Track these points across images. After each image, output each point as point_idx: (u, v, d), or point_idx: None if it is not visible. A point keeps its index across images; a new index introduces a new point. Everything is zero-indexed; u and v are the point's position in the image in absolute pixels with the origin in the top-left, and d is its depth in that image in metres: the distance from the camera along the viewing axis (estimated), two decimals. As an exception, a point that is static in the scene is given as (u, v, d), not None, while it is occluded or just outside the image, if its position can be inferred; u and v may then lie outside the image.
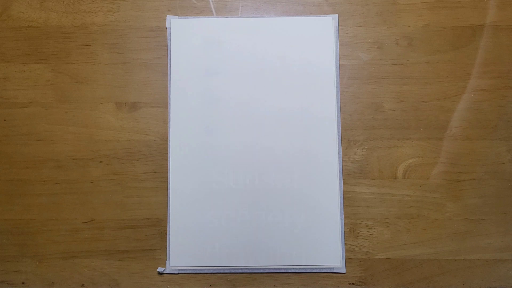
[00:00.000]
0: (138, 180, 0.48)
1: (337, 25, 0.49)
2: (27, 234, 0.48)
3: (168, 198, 0.48)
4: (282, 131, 0.48)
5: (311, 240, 0.47)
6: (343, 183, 0.48)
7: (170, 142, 0.48)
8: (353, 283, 0.47)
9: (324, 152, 0.48)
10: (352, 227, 0.48)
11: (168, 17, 0.49)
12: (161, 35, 0.49)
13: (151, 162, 0.48)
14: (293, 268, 0.47)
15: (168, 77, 0.49)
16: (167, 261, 0.47)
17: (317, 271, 0.47)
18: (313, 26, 0.49)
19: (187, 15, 0.50)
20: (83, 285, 0.47)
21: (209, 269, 0.47)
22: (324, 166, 0.47)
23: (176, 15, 0.49)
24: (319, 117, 0.48)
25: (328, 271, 0.47)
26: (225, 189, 0.48)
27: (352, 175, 0.48)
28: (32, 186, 0.48)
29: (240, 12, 0.50)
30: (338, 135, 0.48)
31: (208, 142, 0.48)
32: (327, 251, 0.47)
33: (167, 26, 0.49)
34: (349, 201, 0.48)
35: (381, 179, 0.48)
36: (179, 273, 0.47)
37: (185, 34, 0.49)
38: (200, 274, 0.47)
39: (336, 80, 0.49)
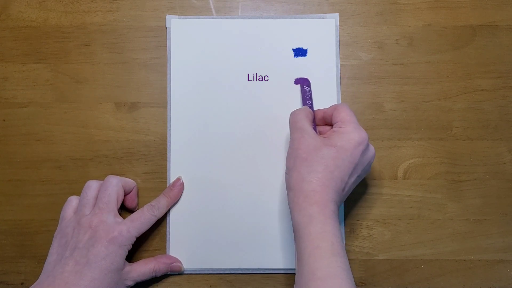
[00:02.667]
0: (137, 180, 0.48)
1: (338, 24, 0.49)
2: (26, 234, 0.48)
3: (167, 199, 0.47)
4: (283, 131, 0.48)
5: (311, 241, 0.46)
6: (343, 183, 0.48)
7: (169, 142, 0.48)
8: (353, 284, 0.47)
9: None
10: (352, 228, 0.48)
11: (168, 16, 0.49)
12: (161, 35, 0.49)
13: (150, 162, 0.48)
14: (294, 269, 0.47)
15: (168, 77, 0.49)
16: (166, 262, 0.47)
17: (317, 271, 0.46)
18: (314, 27, 0.49)
19: (187, 15, 0.49)
20: (82, 285, 0.47)
21: (208, 270, 0.47)
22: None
23: (176, 15, 0.49)
24: (319, 117, 0.48)
25: (328, 272, 0.47)
26: (226, 189, 0.47)
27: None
28: (31, 186, 0.48)
29: (240, 12, 0.50)
30: (338, 135, 0.48)
31: (208, 142, 0.48)
32: (327, 251, 0.46)
33: (167, 26, 0.49)
34: (349, 202, 0.48)
35: (381, 179, 0.48)
36: (178, 273, 0.47)
37: (185, 34, 0.49)
38: (199, 275, 0.47)
39: (337, 80, 0.48)
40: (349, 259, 0.47)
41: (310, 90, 0.47)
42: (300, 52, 0.49)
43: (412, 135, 0.48)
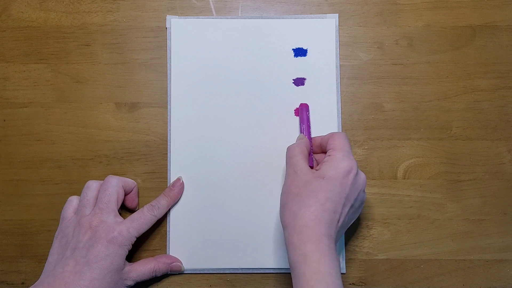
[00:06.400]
0: (137, 180, 0.48)
1: (337, 24, 0.49)
2: (26, 234, 0.48)
3: (168, 198, 0.47)
4: (283, 131, 0.48)
5: (311, 241, 0.46)
6: (343, 183, 0.48)
7: (169, 142, 0.48)
8: (353, 283, 0.47)
9: (324, 152, 0.48)
10: (352, 227, 0.48)
11: (168, 17, 0.49)
12: (161, 35, 0.49)
13: (150, 162, 0.48)
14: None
15: (168, 77, 0.49)
16: (167, 262, 0.47)
17: (317, 271, 0.46)
18: (314, 27, 0.49)
19: (187, 15, 0.50)
20: (82, 285, 0.47)
21: (209, 269, 0.47)
22: (324, 166, 0.47)
23: (176, 15, 0.49)
24: (319, 117, 0.48)
25: (328, 272, 0.47)
26: (226, 189, 0.47)
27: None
28: (31, 186, 0.48)
29: (240, 12, 0.50)
30: (338, 135, 0.48)
31: (208, 142, 0.48)
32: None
33: (167, 26, 0.49)
34: (349, 201, 0.48)
35: (381, 179, 0.48)
36: (178, 273, 0.47)
37: (185, 34, 0.49)
38: (199, 275, 0.47)
39: (336, 80, 0.49)
40: (349, 259, 0.47)
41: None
42: (300, 52, 0.49)
43: (411, 135, 0.49)
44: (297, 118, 0.48)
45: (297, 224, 0.37)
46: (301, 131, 0.47)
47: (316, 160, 0.44)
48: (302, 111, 0.47)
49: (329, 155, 0.40)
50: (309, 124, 0.47)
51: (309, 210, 0.37)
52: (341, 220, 0.39)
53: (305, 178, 0.39)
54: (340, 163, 0.39)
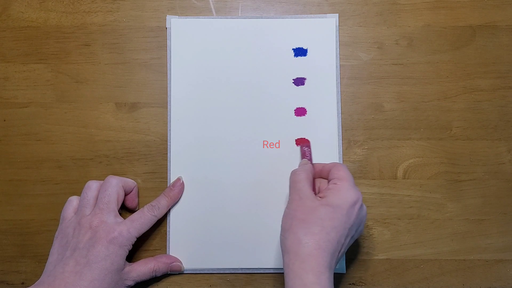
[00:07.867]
0: (137, 180, 0.48)
1: (337, 24, 0.49)
2: (26, 234, 0.48)
3: (168, 198, 0.47)
4: (282, 131, 0.48)
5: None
6: (343, 183, 0.48)
7: (169, 142, 0.48)
8: (353, 283, 0.47)
9: (324, 152, 0.48)
10: (352, 227, 0.48)
11: (168, 17, 0.49)
12: (161, 35, 0.49)
13: (151, 162, 0.48)
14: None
15: (168, 77, 0.49)
16: (167, 262, 0.47)
17: (317, 271, 0.46)
18: (314, 27, 0.49)
19: (187, 15, 0.50)
20: (82, 285, 0.47)
21: (209, 269, 0.47)
22: (324, 166, 0.47)
23: (176, 15, 0.49)
24: (319, 117, 0.48)
25: (328, 272, 0.47)
26: (226, 189, 0.47)
27: (352, 175, 0.48)
28: (31, 186, 0.48)
29: (240, 12, 0.50)
30: (338, 135, 0.48)
31: (208, 142, 0.48)
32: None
33: (167, 26, 0.49)
34: (349, 201, 0.48)
35: (381, 179, 0.48)
36: (178, 273, 0.47)
37: (185, 34, 0.49)
38: (200, 275, 0.47)
39: (337, 80, 0.49)
40: (349, 259, 0.47)
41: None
42: (300, 52, 0.49)
43: (411, 135, 0.49)
44: (298, 119, 0.48)
45: (300, 251, 0.36)
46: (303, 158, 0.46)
47: (318, 187, 0.44)
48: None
49: (335, 184, 0.40)
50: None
51: (314, 238, 0.37)
52: (342, 250, 0.39)
53: (311, 204, 0.38)
54: (347, 193, 0.39)
